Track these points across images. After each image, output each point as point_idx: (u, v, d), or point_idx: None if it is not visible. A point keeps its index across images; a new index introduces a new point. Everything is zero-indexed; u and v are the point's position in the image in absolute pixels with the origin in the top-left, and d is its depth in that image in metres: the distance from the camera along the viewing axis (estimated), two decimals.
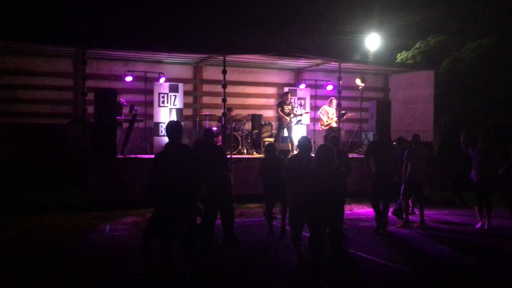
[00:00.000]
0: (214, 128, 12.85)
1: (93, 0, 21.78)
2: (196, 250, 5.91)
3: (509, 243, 8.43)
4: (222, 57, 12.04)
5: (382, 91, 16.71)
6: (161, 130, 13.21)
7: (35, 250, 7.25)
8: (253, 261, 6.94)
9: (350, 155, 11.49)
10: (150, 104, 13.51)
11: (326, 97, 14.71)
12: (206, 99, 14.75)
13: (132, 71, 13.18)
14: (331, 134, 9.42)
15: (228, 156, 11.29)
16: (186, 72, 14.53)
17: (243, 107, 14.66)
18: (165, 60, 13.82)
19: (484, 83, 16.29)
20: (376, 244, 7.96)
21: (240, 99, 14.86)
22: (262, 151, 12.37)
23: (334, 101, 14.10)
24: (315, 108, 15.08)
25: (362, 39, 22.56)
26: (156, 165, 5.60)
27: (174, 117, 13.10)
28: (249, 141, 13.32)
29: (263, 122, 13.82)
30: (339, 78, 13.52)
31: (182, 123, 10.60)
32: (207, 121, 13.52)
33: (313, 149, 8.18)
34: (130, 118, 11.93)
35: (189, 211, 5.58)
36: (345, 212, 6.82)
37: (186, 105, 14.04)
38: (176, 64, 14.23)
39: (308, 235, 6.01)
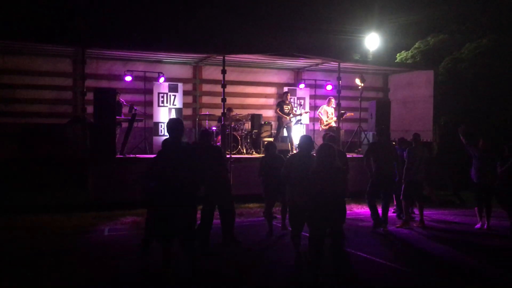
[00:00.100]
0: (214, 128, 12.85)
1: (93, 0, 21.76)
2: (196, 250, 5.90)
3: (509, 243, 8.43)
4: (222, 57, 12.04)
5: (382, 91, 16.72)
6: (161, 130, 13.22)
7: (35, 250, 7.25)
8: (253, 261, 6.94)
9: (350, 155, 11.51)
10: (150, 104, 13.51)
11: (325, 97, 14.71)
12: (205, 99, 14.76)
13: (132, 70, 13.18)
14: (329, 133, 9.44)
15: (228, 156, 11.29)
16: (185, 72, 14.54)
17: (243, 106, 14.67)
18: (164, 60, 13.82)
19: (484, 83, 16.28)
20: (376, 244, 7.96)
21: (239, 99, 14.87)
22: (262, 150, 12.39)
23: (333, 101, 14.12)
24: (314, 108, 15.08)
25: (361, 39, 22.53)
26: (155, 165, 5.59)
27: (174, 117, 13.10)
28: (248, 141, 13.32)
29: (263, 122, 13.83)
30: (339, 78, 13.53)
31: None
32: (207, 121, 13.52)
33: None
34: (129, 118, 11.92)
35: (189, 211, 5.58)
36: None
37: (185, 105, 14.06)
38: (176, 64, 14.23)
39: (308, 235, 6.01)
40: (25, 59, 12.71)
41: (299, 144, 7.01)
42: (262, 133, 13.51)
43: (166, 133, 5.90)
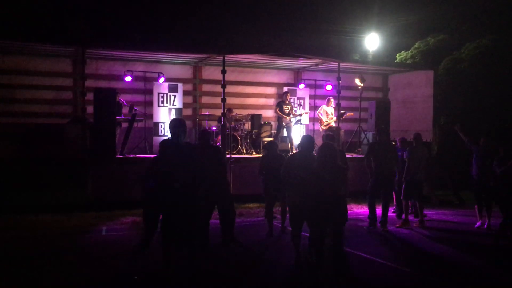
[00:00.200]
0: (214, 128, 12.85)
1: (93, 0, 21.76)
2: (196, 250, 5.90)
3: (509, 242, 8.43)
4: (222, 57, 12.02)
5: (381, 91, 16.71)
6: (161, 130, 13.20)
7: (35, 250, 7.25)
8: (253, 261, 6.94)
9: (349, 155, 11.51)
10: (150, 104, 13.50)
11: (325, 97, 14.70)
12: (205, 99, 14.75)
13: (132, 71, 13.17)
14: (328, 133, 9.44)
15: (228, 156, 11.29)
16: (185, 72, 14.54)
17: (243, 107, 14.65)
18: (164, 60, 13.82)
19: (483, 83, 16.29)
20: (376, 244, 7.97)
21: (239, 99, 14.87)
22: (262, 151, 12.38)
23: (332, 100, 14.11)
24: (314, 108, 15.08)
25: (361, 39, 22.55)
26: (155, 165, 5.59)
27: (174, 117, 13.07)
28: (248, 141, 13.32)
29: (263, 122, 13.83)
30: (338, 78, 13.52)
31: None
32: (207, 121, 13.52)
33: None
34: (129, 118, 11.92)
35: (189, 211, 5.58)
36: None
37: (185, 105, 14.05)
38: (176, 64, 14.23)
39: (308, 235, 6.01)
40: (25, 59, 12.70)
41: (300, 144, 7.00)
42: (262, 133, 13.51)
43: (167, 133, 5.89)
